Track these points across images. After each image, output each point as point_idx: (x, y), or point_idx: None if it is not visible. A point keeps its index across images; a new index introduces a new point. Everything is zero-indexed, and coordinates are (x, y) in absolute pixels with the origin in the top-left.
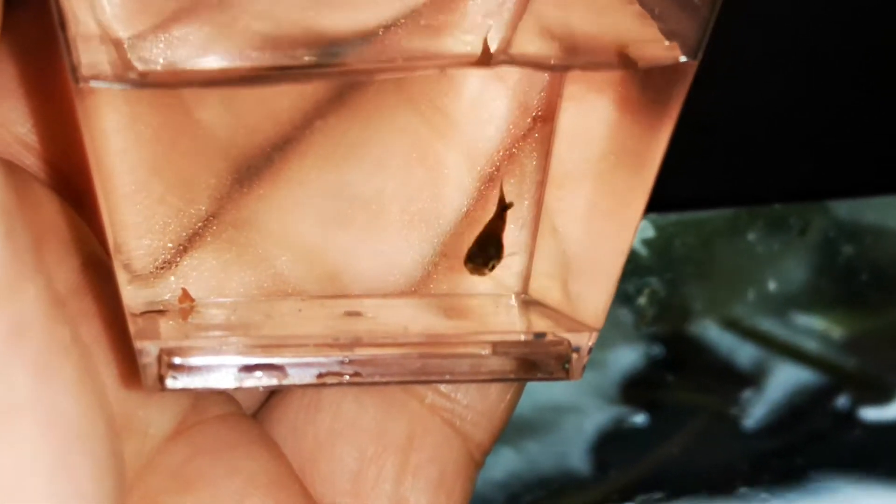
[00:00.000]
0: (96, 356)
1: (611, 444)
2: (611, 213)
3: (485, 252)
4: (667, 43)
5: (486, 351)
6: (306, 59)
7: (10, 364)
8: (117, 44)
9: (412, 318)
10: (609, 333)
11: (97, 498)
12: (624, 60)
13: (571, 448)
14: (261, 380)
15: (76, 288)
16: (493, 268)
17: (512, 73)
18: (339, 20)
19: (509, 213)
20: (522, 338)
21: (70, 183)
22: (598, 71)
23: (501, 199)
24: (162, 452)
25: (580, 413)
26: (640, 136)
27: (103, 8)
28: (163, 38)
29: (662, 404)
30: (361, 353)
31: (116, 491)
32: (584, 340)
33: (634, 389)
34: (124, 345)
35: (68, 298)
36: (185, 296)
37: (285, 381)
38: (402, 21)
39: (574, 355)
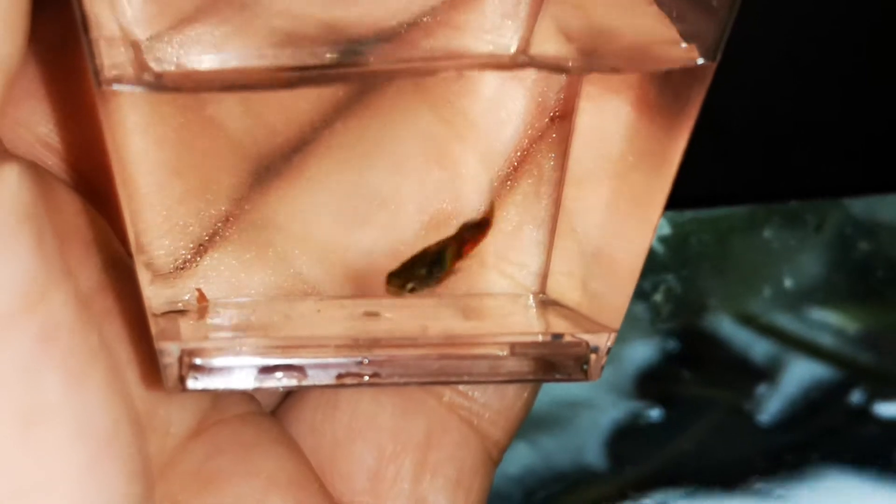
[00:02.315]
0: (119, 356)
1: (626, 438)
2: (629, 213)
3: (410, 271)
4: (685, 45)
5: (505, 352)
6: (328, 57)
7: (41, 369)
8: (135, 46)
9: (431, 319)
10: (624, 328)
11: (127, 502)
12: (641, 63)
13: (587, 443)
14: (281, 380)
15: (98, 288)
16: (412, 290)
17: (529, 74)
18: (361, 17)
19: (526, 211)
20: (540, 338)
21: (91, 183)
22: (615, 73)
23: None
24: (182, 451)
25: (595, 408)
26: (659, 137)
27: (124, 9)
28: (179, 39)
29: (678, 399)
30: (380, 353)
31: (145, 494)
32: (603, 341)
33: (650, 384)
34: (145, 344)
35: (91, 299)
36: (201, 296)
37: (305, 382)
38: (424, 20)
39: (592, 356)
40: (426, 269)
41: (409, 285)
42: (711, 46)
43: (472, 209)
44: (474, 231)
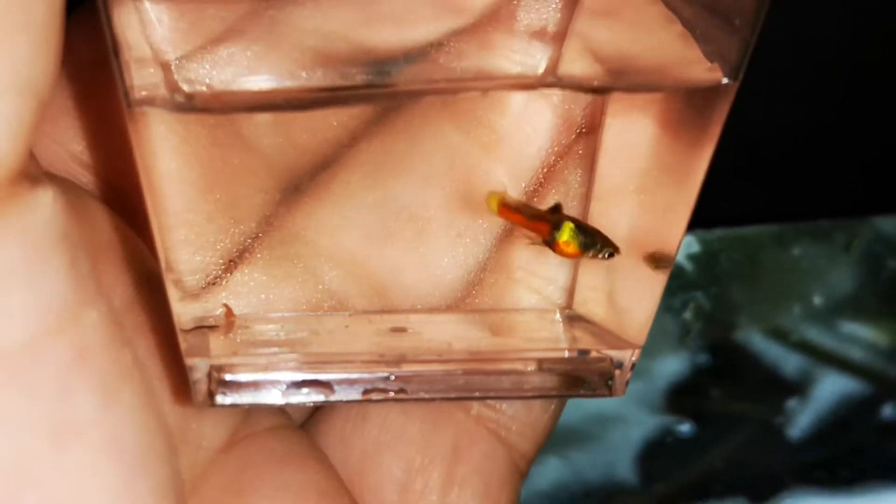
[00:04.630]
0: (150, 372)
1: (657, 453)
2: (654, 228)
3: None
4: (709, 64)
5: (531, 367)
6: (358, 78)
7: (74, 387)
8: (165, 66)
9: (457, 335)
10: (655, 344)
11: None
12: (666, 82)
13: (618, 458)
14: (308, 396)
15: (131, 305)
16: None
17: (556, 92)
18: (390, 38)
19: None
20: (567, 354)
21: (124, 199)
22: (640, 92)
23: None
24: (214, 465)
25: (626, 423)
26: (683, 153)
27: (154, 30)
28: (210, 59)
29: (708, 414)
30: (407, 369)
31: None
32: (627, 357)
33: (680, 399)
34: (177, 360)
35: (123, 316)
36: (229, 312)
37: (332, 398)
38: (455, 40)
39: (617, 372)
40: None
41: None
42: (734, 66)
43: (500, 223)
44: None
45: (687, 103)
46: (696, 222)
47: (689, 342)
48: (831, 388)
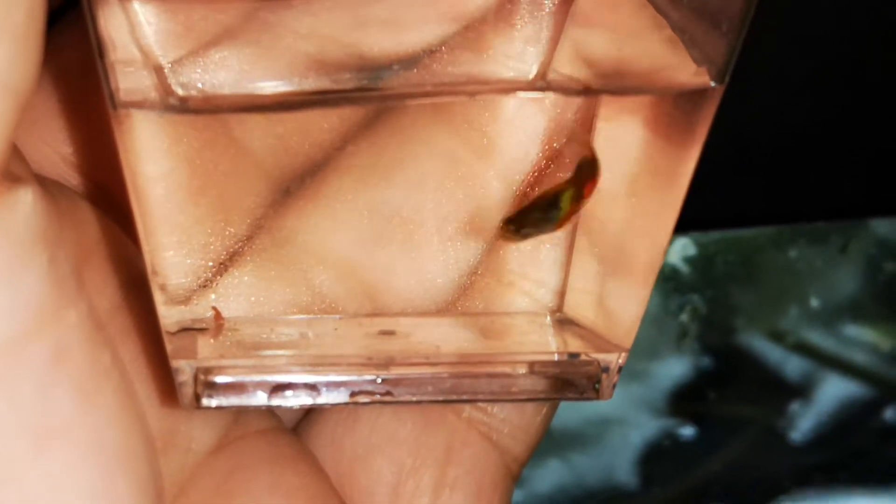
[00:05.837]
0: (137, 374)
1: (658, 456)
2: (643, 231)
3: (525, 215)
4: (696, 68)
5: (521, 370)
6: (350, 82)
7: (53, 388)
8: (158, 69)
9: (446, 338)
10: (655, 346)
11: None
12: (656, 85)
13: (618, 461)
14: (294, 398)
15: (118, 307)
16: (526, 235)
17: (548, 95)
18: (383, 42)
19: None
20: (556, 358)
21: (116, 202)
22: (630, 96)
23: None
24: (204, 467)
25: (627, 425)
26: (671, 156)
27: (144, 31)
28: (203, 63)
29: (710, 417)
30: (394, 372)
31: None
32: (614, 360)
33: (682, 402)
34: (165, 362)
35: (110, 317)
36: (217, 315)
37: (319, 400)
38: (446, 45)
39: (604, 375)
40: (541, 212)
41: (524, 230)
42: (721, 70)
43: (490, 227)
44: (591, 170)
45: (675, 106)
46: (693, 224)
47: (687, 345)
48: (833, 391)
